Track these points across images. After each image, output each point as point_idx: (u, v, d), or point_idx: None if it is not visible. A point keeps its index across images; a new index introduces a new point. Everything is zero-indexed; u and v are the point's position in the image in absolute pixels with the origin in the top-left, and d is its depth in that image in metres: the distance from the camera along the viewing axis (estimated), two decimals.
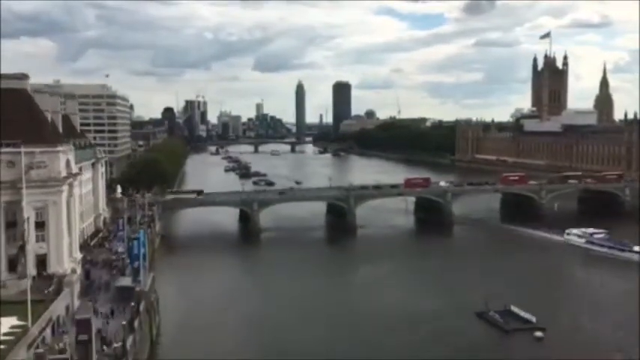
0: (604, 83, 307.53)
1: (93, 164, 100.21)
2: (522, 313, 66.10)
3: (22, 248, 54.65)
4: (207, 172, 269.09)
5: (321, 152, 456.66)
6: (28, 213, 59.10)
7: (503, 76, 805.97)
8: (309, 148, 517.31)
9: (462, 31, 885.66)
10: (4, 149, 58.97)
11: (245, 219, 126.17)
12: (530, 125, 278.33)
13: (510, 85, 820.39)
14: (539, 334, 61.40)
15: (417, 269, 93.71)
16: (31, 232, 58.79)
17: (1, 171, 58.80)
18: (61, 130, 77.79)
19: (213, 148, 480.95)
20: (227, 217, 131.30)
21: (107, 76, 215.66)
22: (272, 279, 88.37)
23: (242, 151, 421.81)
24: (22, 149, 57.94)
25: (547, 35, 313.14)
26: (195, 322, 67.24)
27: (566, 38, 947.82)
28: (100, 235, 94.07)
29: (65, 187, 63.97)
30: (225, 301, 76.26)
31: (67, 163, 66.81)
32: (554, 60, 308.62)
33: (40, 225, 61.11)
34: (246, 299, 77.53)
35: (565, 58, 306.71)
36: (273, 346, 61.05)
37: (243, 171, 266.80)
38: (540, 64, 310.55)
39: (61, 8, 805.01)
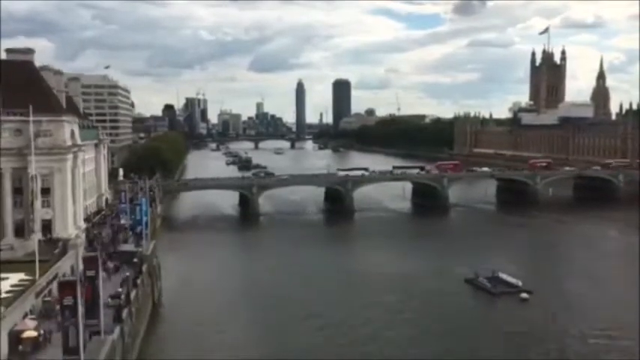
0: (601, 76, 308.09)
1: (96, 145, 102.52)
2: (509, 279, 68.58)
3: (31, 204, 57.19)
4: (208, 165, 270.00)
5: (320, 148, 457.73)
6: (35, 179, 61.48)
7: (499, 76, 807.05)
8: (309, 145, 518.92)
9: (456, 32, 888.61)
10: (12, 117, 61.43)
11: (245, 203, 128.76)
12: (527, 118, 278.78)
13: (507, 85, 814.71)
14: (524, 295, 64.21)
15: (411, 245, 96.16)
16: (37, 198, 61.23)
17: (7, 138, 61.23)
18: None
19: (213, 145, 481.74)
20: (227, 202, 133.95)
21: (107, 67, 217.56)
22: (271, 251, 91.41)
23: (242, 147, 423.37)
24: (31, 118, 60.27)
25: (546, 31, 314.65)
26: (195, 286, 69.84)
27: (560, 39, 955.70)
28: (103, 212, 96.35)
29: (70, 156, 66.40)
30: (225, 270, 79.30)
31: (72, 133, 69.24)
32: (552, 55, 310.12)
33: (46, 191, 63.40)
34: (247, 268, 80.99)
35: (563, 52, 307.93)
36: (274, 304, 63.42)
37: (244, 163, 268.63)
38: (538, 60, 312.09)
39: (56, 9, 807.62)
